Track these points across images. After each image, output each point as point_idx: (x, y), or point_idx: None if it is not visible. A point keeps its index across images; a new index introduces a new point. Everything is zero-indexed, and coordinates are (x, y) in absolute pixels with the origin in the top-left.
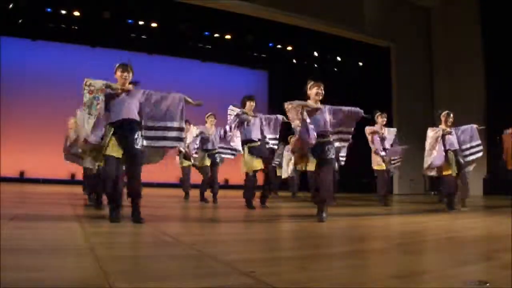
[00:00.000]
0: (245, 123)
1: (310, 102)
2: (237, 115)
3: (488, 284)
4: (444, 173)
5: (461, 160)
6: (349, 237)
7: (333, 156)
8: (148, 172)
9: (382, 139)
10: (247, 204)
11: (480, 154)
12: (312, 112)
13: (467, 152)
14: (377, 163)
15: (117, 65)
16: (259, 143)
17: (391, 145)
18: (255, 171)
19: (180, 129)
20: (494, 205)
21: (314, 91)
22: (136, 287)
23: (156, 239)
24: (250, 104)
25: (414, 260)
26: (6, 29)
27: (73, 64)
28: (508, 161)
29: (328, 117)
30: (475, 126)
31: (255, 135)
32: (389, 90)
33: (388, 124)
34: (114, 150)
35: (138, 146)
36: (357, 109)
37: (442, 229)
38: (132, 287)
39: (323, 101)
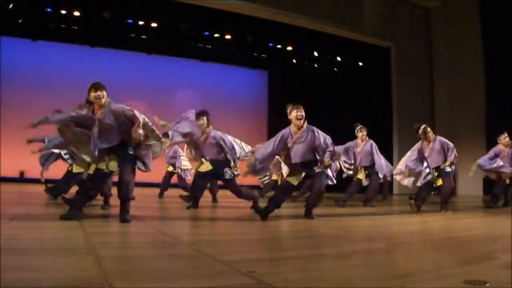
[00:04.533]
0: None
1: (292, 128)
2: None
3: (488, 284)
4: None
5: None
6: (349, 237)
7: (322, 170)
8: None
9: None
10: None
11: None
12: (295, 141)
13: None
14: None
15: (89, 85)
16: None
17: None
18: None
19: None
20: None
21: (294, 114)
22: (136, 287)
23: (156, 239)
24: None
25: (414, 260)
26: (6, 29)
27: (73, 64)
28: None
29: (311, 140)
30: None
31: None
32: (389, 90)
33: (388, 124)
34: (104, 163)
35: (130, 152)
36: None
37: (442, 229)
38: (132, 287)
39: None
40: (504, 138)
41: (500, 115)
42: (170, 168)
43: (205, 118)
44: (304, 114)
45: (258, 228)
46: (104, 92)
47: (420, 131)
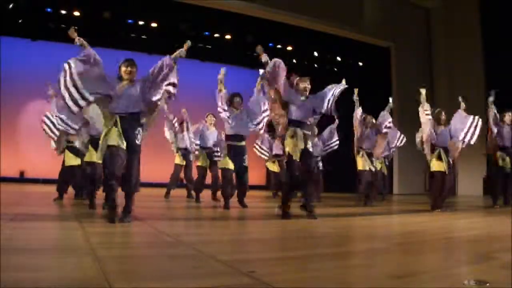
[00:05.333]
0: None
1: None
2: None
3: (488, 284)
4: (436, 169)
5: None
6: (349, 237)
7: (312, 150)
8: (149, 172)
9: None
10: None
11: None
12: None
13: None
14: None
15: (122, 60)
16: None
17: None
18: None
19: (173, 84)
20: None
21: (302, 86)
22: (136, 287)
23: (156, 239)
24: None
25: (414, 260)
26: (6, 29)
27: None
28: (490, 147)
29: (310, 107)
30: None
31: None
32: (389, 90)
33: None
34: (117, 140)
35: (138, 142)
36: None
37: (442, 229)
38: (132, 287)
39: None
40: (509, 115)
41: (500, 114)
42: (179, 160)
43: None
44: (310, 86)
45: (258, 228)
46: (135, 69)
47: (435, 112)
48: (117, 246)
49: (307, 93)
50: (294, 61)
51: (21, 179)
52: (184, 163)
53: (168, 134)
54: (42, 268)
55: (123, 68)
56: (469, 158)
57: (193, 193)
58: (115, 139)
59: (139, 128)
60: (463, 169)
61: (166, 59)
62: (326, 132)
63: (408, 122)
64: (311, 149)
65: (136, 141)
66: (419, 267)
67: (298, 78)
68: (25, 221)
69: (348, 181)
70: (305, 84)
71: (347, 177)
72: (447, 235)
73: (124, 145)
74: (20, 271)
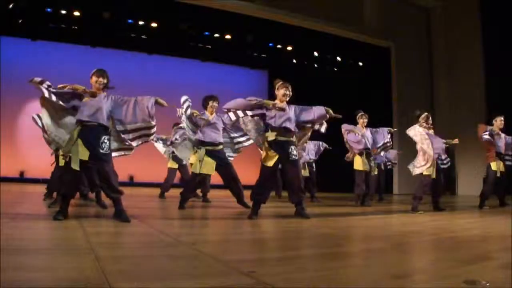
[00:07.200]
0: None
1: (277, 102)
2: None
3: (488, 284)
4: (425, 173)
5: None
6: (349, 237)
7: (296, 158)
8: (149, 172)
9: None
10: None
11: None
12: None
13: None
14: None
15: (94, 70)
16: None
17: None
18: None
19: (149, 128)
20: (494, 205)
21: (282, 92)
22: (136, 287)
23: (156, 239)
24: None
25: (413, 260)
26: (6, 29)
27: (73, 64)
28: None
29: (293, 116)
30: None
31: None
32: (389, 90)
33: (388, 124)
34: (79, 152)
35: (103, 150)
36: (322, 109)
37: (441, 229)
38: (132, 287)
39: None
40: (499, 120)
41: (500, 115)
42: (171, 164)
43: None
44: (291, 93)
45: (258, 228)
46: (106, 80)
47: (422, 117)
48: (117, 246)
49: (286, 99)
50: (294, 61)
51: (21, 179)
52: (177, 166)
53: (157, 146)
54: (42, 268)
55: (93, 78)
56: (469, 158)
57: (199, 193)
58: (77, 151)
59: (105, 137)
60: (463, 169)
61: (145, 98)
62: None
63: (407, 123)
64: (293, 157)
65: (101, 150)
66: (419, 267)
67: (280, 83)
68: (25, 221)
69: (346, 181)
70: (287, 91)
71: (346, 177)
72: (447, 235)
73: (86, 157)
74: (19, 271)
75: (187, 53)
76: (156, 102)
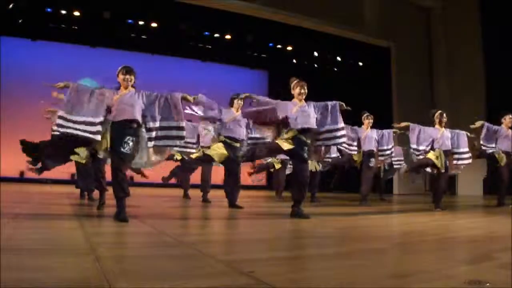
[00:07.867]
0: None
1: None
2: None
3: (488, 284)
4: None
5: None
6: (349, 237)
7: (307, 156)
8: (147, 172)
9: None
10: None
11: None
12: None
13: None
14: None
15: (120, 67)
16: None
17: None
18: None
19: (179, 128)
20: (494, 205)
21: (297, 90)
22: (136, 287)
23: (156, 239)
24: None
25: (413, 260)
26: (6, 29)
27: (73, 64)
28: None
29: (312, 113)
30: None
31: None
32: (389, 90)
33: (388, 124)
34: (104, 147)
35: (124, 150)
36: (335, 102)
37: (441, 229)
38: (132, 287)
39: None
40: (508, 118)
41: (500, 115)
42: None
43: None
44: (307, 91)
45: (258, 228)
46: (133, 77)
47: (436, 115)
48: (117, 246)
49: (303, 98)
50: (294, 61)
51: (21, 179)
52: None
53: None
54: (42, 268)
55: (121, 76)
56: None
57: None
58: (102, 146)
59: (129, 138)
60: (463, 169)
61: (174, 95)
62: None
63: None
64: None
65: (122, 150)
66: (419, 267)
67: (296, 81)
68: (25, 221)
69: (345, 181)
70: (302, 90)
71: (346, 177)
72: (447, 235)
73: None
74: (20, 271)
75: (187, 53)
76: (183, 99)
